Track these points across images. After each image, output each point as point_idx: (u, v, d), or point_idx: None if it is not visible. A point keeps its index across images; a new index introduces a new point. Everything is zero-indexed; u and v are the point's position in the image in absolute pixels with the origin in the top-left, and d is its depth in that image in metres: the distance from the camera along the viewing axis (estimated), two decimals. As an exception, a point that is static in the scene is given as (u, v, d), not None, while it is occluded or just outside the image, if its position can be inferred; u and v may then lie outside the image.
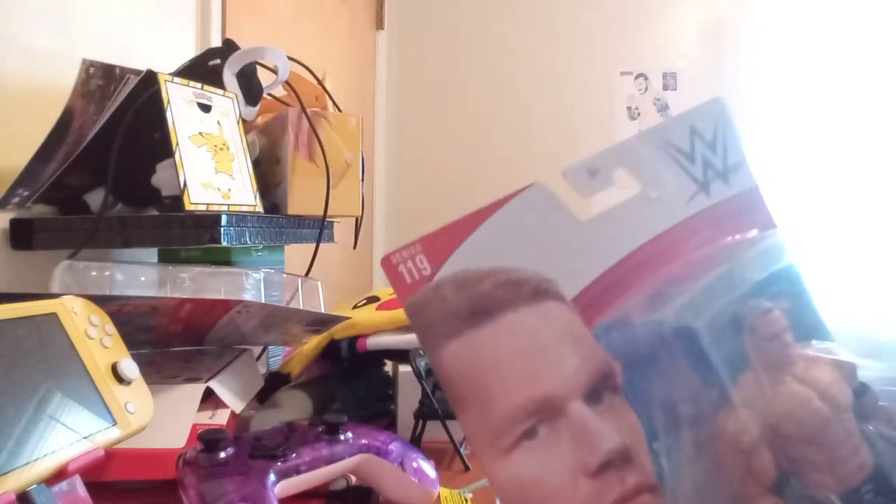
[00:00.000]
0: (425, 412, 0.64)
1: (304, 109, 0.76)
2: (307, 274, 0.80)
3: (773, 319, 0.26)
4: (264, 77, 0.78)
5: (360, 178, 0.81)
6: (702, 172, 0.29)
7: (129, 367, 0.44)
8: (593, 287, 0.27)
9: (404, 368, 0.71)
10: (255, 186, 0.69)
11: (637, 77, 2.34)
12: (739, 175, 0.30)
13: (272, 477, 0.43)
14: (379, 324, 0.73)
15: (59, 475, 0.36)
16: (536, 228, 0.29)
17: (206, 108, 0.66)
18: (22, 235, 0.66)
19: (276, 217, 0.73)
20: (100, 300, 0.46)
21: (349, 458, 0.48)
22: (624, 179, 0.30)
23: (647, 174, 0.30)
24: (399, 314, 0.74)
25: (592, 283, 0.28)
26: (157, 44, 0.95)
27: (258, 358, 0.77)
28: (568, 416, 0.26)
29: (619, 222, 0.29)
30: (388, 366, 0.82)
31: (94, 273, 0.61)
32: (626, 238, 0.28)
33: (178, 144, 0.61)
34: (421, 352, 0.67)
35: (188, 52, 1.02)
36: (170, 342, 0.65)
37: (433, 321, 0.27)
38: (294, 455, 0.45)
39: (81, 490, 0.39)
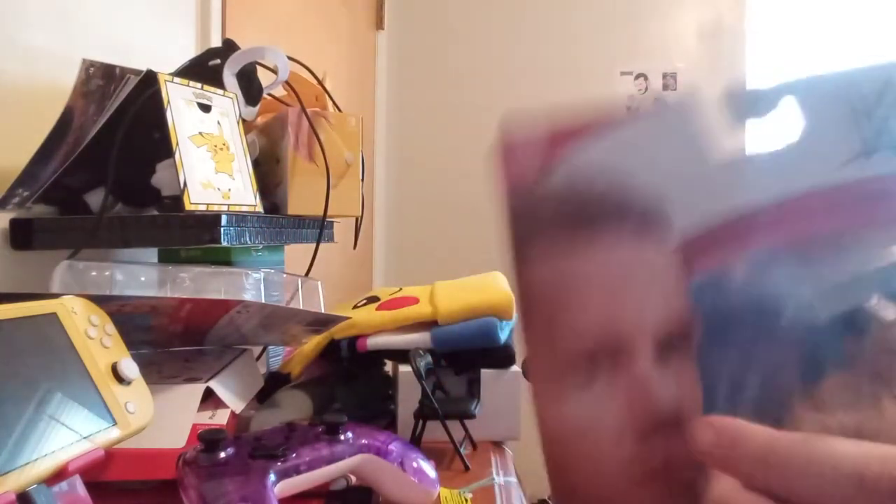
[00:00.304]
0: (425, 412, 0.64)
1: (304, 109, 0.76)
2: (307, 274, 0.80)
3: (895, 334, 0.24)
4: (264, 77, 0.78)
5: (360, 178, 0.81)
6: (873, 134, 0.26)
7: (129, 367, 0.44)
8: (706, 234, 0.25)
9: (404, 368, 0.71)
10: (255, 186, 0.69)
11: (637, 77, 2.34)
12: None
13: (272, 477, 0.43)
14: (379, 324, 0.73)
15: (59, 475, 0.36)
16: (670, 152, 0.26)
17: (206, 108, 0.66)
18: (22, 235, 0.66)
19: (276, 217, 0.73)
20: (100, 300, 0.46)
21: (349, 458, 0.48)
22: (790, 111, 0.26)
23: (816, 112, 0.26)
24: (399, 314, 0.74)
25: (707, 229, 0.25)
26: (157, 44, 0.95)
27: (258, 358, 0.77)
28: (631, 369, 0.24)
29: (759, 169, 0.26)
30: (388, 366, 0.82)
31: (94, 273, 0.61)
32: (759, 188, 0.25)
33: (178, 144, 0.61)
34: (421, 352, 0.67)
35: (188, 52, 1.02)
36: (170, 342, 0.65)
37: (533, 220, 0.25)
38: (294, 455, 0.45)
39: (81, 490, 0.39)
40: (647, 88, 2.33)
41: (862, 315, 0.24)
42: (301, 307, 0.75)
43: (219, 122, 0.67)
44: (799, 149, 0.26)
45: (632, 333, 0.24)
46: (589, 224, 0.25)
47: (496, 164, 0.25)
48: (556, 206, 0.25)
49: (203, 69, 0.73)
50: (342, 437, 0.48)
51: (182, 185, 0.60)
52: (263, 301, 0.69)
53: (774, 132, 0.27)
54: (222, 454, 0.44)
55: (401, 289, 0.85)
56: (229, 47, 0.75)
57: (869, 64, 0.27)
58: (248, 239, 0.66)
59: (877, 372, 0.23)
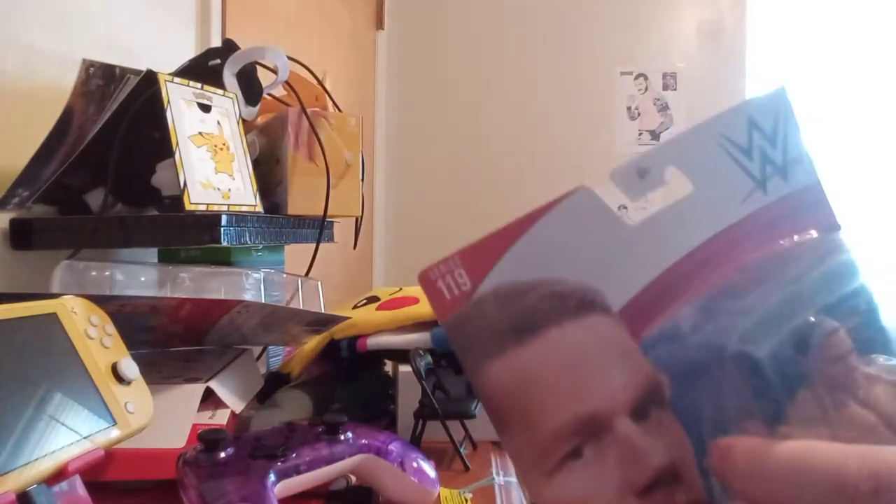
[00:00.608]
0: (425, 412, 0.64)
1: (304, 109, 0.76)
2: (307, 274, 0.80)
3: (837, 341, 0.24)
4: (264, 77, 0.78)
5: (360, 178, 0.81)
6: (759, 169, 0.27)
7: (129, 367, 0.44)
8: (642, 296, 0.26)
9: (404, 368, 0.71)
10: (255, 186, 0.69)
11: (637, 77, 2.34)
12: (800, 169, 0.28)
13: (272, 477, 0.43)
14: (379, 324, 0.73)
15: (59, 475, 0.36)
16: (582, 236, 0.27)
17: (206, 108, 0.66)
18: (22, 235, 0.66)
19: (276, 217, 0.73)
20: (100, 300, 0.46)
21: (349, 458, 0.48)
22: (676, 178, 0.28)
23: (700, 172, 0.27)
24: (399, 314, 0.74)
25: (641, 291, 0.26)
26: (157, 44, 0.95)
27: (258, 358, 0.77)
28: (614, 433, 0.25)
29: (669, 225, 0.27)
30: (388, 366, 0.82)
31: (94, 273, 0.61)
32: (676, 242, 0.27)
33: (178, 144, 0.61)
34: (421, 352, 0.67)
35: (188, 52, 1.02)
36: (170, 342, 0.65)
37: (474, 340, 0.26)
38: (294, 455, 0.45)
39: (81, 490, 0.39)
40: (647, 88, 2.33)
41: (803, 333, 0.24)
42: (301, 307, 0.75)
43: (219, 122, 0.67)
44: (699, 198, 0.27)
45: (604, 408, 0.25)
46: (529, 330, 0.26)
47: (428, 299, 0.27)
48: (492, 323, 0.26)
49: (203, 69, 0.73)
50: (342, 437, 0.48)
51: (182, 185, 0.60)
52: (263, 301, 0.69)
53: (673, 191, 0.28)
54: (222, 454, 0.44)
55: (401, 289, 0.85)
56: (229, 47, 0.75)
57: (730, 107, 0.28)
58: (248, 239, 0.66)
59: (832, 381, 0.24)
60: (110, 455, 0.48)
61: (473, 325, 0.26)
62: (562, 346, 0.25)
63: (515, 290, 0.26)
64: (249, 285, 0.70)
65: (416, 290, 0.82)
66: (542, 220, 0.27)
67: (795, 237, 0.27)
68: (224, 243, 0.62)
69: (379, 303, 0.79)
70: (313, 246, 0.79)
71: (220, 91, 0.69)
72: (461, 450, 0.65)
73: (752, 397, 0.24)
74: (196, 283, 0.66)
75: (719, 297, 0.26)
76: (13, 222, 0.67)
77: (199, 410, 0.55)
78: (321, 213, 0.76)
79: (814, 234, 0.28)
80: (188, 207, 0.60)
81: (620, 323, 0.26)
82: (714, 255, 0.26)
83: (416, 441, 0.64)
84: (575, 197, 0.28)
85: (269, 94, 0.82)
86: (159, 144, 0.63)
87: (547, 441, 0.25)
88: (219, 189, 0.64)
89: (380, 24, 2.24)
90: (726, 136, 0.28)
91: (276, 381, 0.75)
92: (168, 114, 0.61)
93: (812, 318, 0.25)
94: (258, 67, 0.77)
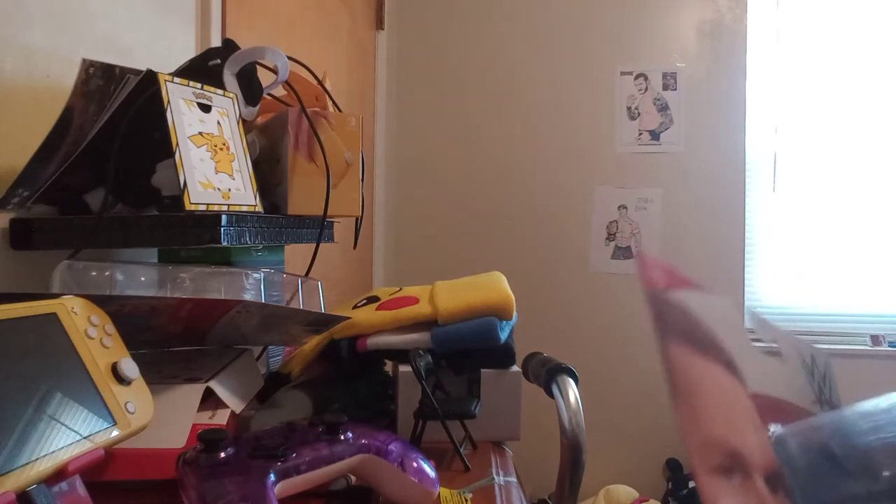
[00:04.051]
0: (425, 412, 0.64)
1: (304, 109, 0.76)
2: (307, 274, 0.80)
3: None
4: (264, 77, 0.78)
5: (360, 178, 0.81)
6: (818, 391, 0.36)
7: (129, 367, 0.44)
8: (756, 396, 0.32)
9: (404, 368, 0.71)
10: (255, 186, 0.69)
11: (637, 77, 2.34)
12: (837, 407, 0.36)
13: (272, 477, 0.43)
14: (379, 324, 0.73)
15: (59, 475, 0.36)
16: (731, 325, 0.34)
17: (206, 108, 0.66)
18: (22, 235, 0.66)
19: (276, 217, 0.73)
20: (100, 300, 0.46)
21: (349, 458, 0.48)
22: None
23: (788, 358, 0.37)
24: (399, 314, 0.74)
25: (755, 393, 0.32)
26: (157, 44, 0.95)
27: (258, 358, 0.77)
28: (755, 484, 0.28)
29: (775, 376, 0.34)
30: (388, 366, 0.82)
31: (94, 273, 0.60)
32: (775, 388, 0.34)
33: (178, 144, 0.61)
34: (421, 352, 0.67)
35: (188, 52, 1.02)
36: (170, 342, 0.65)
37: (667, 317, 0.31)
38: (294, 455, 0.45)
39: (81, 490, 0.39)
40: (647, 88, 2.33)
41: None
42: (301, 307, 0.75)
43: (219, 122, 0.67)
44: (788, 374, 0.36)
45: (747, 454, 0.29)
46: (702, 350, 0.31)
47: (638, 267, 0.34)
48: (678, 322, 0.31)
49: (203, 69, 0.73)
50: (342, 437, 0.48)
51: (182, 185, 0.60)
52: (263, 301, 0.69)
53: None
54: (222, 454, 0.44)
55: (401, 289, 0.85)
56: (229, 47, 0.75)
57: (804, 342, 0.37)
58: (248, 239, 0.66)
59: None
60: (110, 455, 0.48)
61: (668, 311, 0.31)
62: (721, 382, 0.30)
63: (692, 316, 0.32)
64: (249, 285, 0.70)
65: (416, 290, 0.82)
66: (708, 292, 0.34)
67: None
68: (224, 243, 0.62)
69: (379, 303, 0.79)
70: (313, 246, 0.79)
71: (220, 91, 0.69)
72: (461, 450, 0.65)
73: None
74: (196, 283, 0.65)
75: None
76: (13, 222, 0.67)
77: (199, 410, 0.55)
78: (321, 213, 0.76)
79: None
80: (188, 207, 0.60)
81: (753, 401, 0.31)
82: (783, 407, 0.34)
83: (416, 441, 0.64)
84: (724, 298, 0.35)
85: (269, 94, 0.82)
86: (159, 144, 0.62)
87: (707, 439, 0.28)
88: (219, 189, 0.64)
89: (380, 24, 2.23)
90: (799, 351, 0.37)
91: (276, 381, 0.75)
92: (168, 114, 0.61)
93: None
94: (258, 67, 0.77)
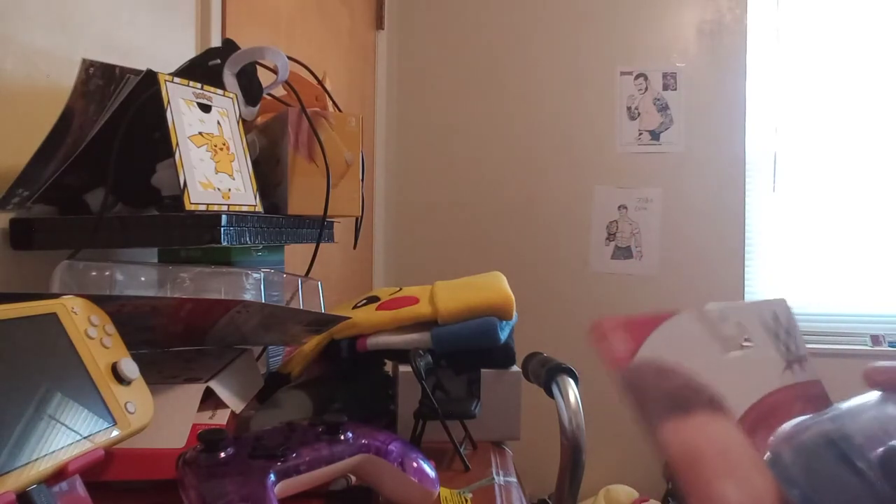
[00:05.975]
0: (425, 412, 0.64)
1: (304, 109, 0.76)
2: (307, 274, 0.80)
3: None
4: (264, 77, 0.78)
5: (360, 178, 0.81)
6: (785, 352, 0.35)
7: (129, 367, 0.44)
8: (746, 417, 0.31)
9: (404, 368, 0.71)
10: (255, 186, 0.69)
11: (637, 77, 2.34)
12: (808, 365, 0.35)
13: (272, 477, 0.43)
14: (379, 324, 0.73)
15: (59, 475, 0.36)
16: (696, 347, 0.33)
17: (206, 108, 0.66)
18: (22, 235, 0.66)
19: (276, 217, 0.73)
20: (100, 300, 0.46)
21: (349, 458, 0.48)
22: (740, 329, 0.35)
23: (754, 331, 0.35)
24: (399, 314, 0.74)
25: (745, 412, 0.31)
26: (157, 44, 0.95)
27: (258, 358, 0.77)
28: None
29: (749, 370, 0.33)
30: (388, 366, 0.82)
31: (94, 273, 0.60)
32: (756, 387, 0.33)
33: (178, 144, 0.61)
34: (421, 352, 0.67)
35: (188, 52, 1.02)
36: (170, 342, 0.65)
37: (646, 400, 0.30)
38: (294, 455, 0.45)
39: (81, 490, 0.39)
40: (647, 88, 2.33)
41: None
42: (301, 307, 0.75)
43: (219, 122, 0.67)
44: (758, 355, 0.35)
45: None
46: (682, 409, 0.30)
47: (597, 347, 0.32)
48: (656, 396, 0.30)
49: (203, 69, 0.73)
50: (342, 437, 0.48)
51: (182, 185, 0.60)
52: (263, 301, 0.69)
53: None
54: (222, 454, 0.44)
55: (401, 289, 0.85)
56: (229, 47, 0.75)
57: (756, 302, 0.36)
58: (248, 239, 0.66)
59: None
60: (110, 455, 0.48)
61: (644, 386, 0.31)
62: (711, 433, 0.30)
63: (665, 369, 0.31)
64: (249, 285, 0.70)
65: (416, 290, 0.82)
66: (669, 321, 0.33)
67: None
68: (224, 243, 0.62)
69: (379, 303, 0.79)
70: (313, 246, 0.79)
71: (220, 91, 0.69)
72: (461, 450, 0.65)
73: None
74: (196, 283, 0.65)
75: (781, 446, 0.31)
76: (13, 222, 0.67)
77: (199, 410, 0.55)
78: (321, 213, 0.76)
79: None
80: (188, 207, 0.60)
81: (742, 430, 0.30)
82: (771, 410, 0.32)
83: (416, 441, 0.64)
84: (684, 317, 0.34)
85: (269, 94, 0.82)
86: (159, 144, 0.62)
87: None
88: (219, 189, 0.64)
89: (380, 24, 2.23)
90: (762, 319, 0.35)
91: (276, 381, 0.75)
92: (168, 114, 0.61)
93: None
94: (258, 67, 0.77)
